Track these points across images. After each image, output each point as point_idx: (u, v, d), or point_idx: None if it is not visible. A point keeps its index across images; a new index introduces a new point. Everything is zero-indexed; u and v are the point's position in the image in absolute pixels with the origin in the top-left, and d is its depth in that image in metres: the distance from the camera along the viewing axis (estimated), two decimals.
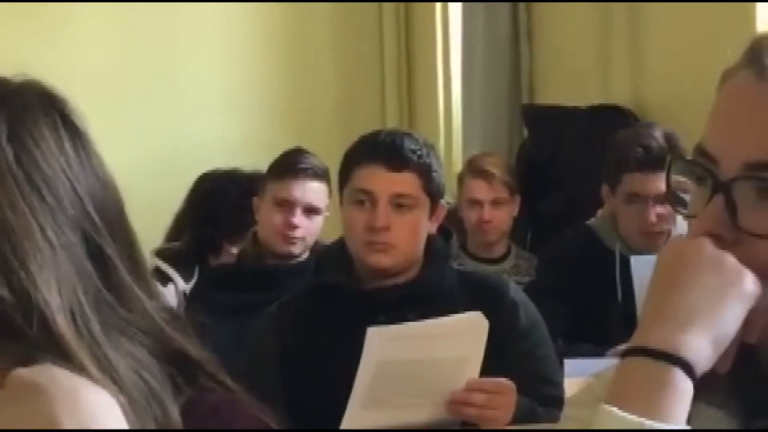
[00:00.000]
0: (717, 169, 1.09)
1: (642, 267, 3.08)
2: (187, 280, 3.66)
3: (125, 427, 0.99)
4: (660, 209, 3.36)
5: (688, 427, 1.04)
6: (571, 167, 4.51)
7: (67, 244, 1.04)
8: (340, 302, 2.73)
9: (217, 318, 2.87)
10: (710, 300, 1.05)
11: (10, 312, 1.01)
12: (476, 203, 4.17)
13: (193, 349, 1.12)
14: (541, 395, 2.61)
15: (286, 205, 3.49)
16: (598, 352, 3.01)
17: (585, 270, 3.49)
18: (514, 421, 2.52)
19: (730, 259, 1.07)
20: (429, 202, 2.75)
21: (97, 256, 1.07)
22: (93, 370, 1.00)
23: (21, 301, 1.01)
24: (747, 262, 1.07)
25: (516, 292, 2.79)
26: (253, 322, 2.83)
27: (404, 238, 2.71)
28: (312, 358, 2.70)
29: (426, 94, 5.66)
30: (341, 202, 2.85)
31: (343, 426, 2.48)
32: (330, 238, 3.51)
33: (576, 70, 4.94)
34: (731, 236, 1.08)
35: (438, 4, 5.57)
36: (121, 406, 1.00)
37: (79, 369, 1.00)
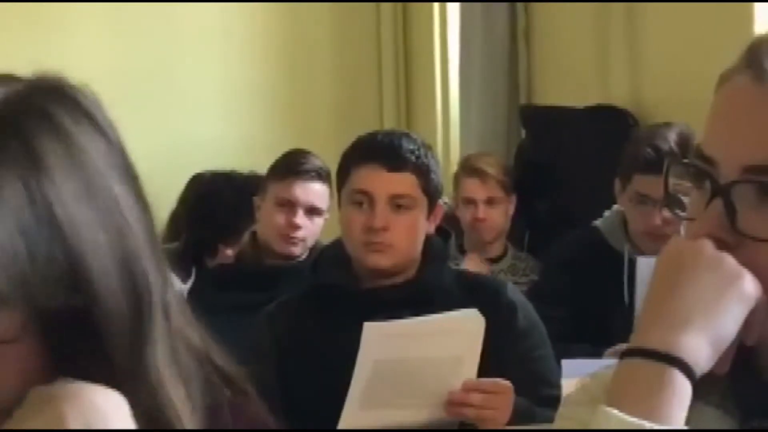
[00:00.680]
0: (716, 171, 1.09)
1: (648, 268, 3.07)
2: (183, 281, 3.66)
3: (133, 427, 0.99)
4: (667, 213, 3.34)
5: (687, 429, 1.04)
6: (569, 168, 4.51)
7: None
8: (337, 302, 2.73)
9: (215, 317, 2.87)
10: (709, 301, 1.05)
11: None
12: (471, 202, 4.17)
13: (214, 349, 1.12)
14: (539, 396, 2.62)
15: (288, 206, 3.49)
16: (596, 353, 3.01)
17: (591, 271, 3.48)
18: (511, 422, 2.52)
19: (730, 261, 1.07)
20: (427, 203, 2.75)
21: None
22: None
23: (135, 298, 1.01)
24: (747, 265, 1.07)
25: (514, 292, 2.79)
26: (251, 322, 2.84)
27: (402, 239, 2.71)
28: (310, 357, 2.70)
29: (424, 95, 5.66)
30: (339, 203, 2.85)
31: (341, 426, 2.48)
32: (328, 239, 3.52)
33: (574, 71, 4.94)
34: (731, 239, 1.08)
35: (436, 5, 5.57)
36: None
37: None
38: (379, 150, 2.73)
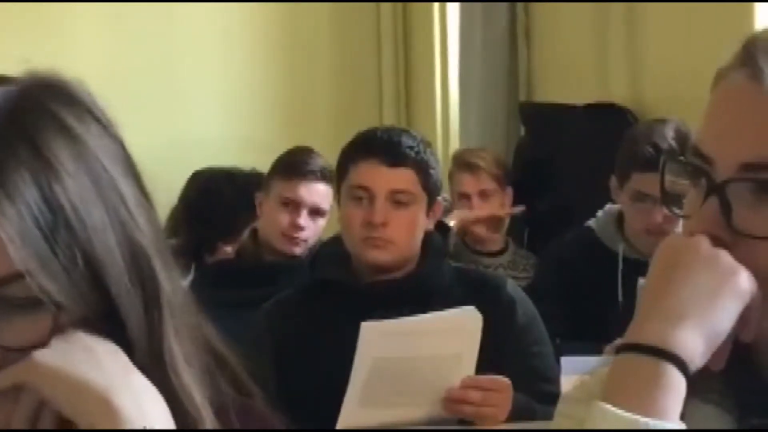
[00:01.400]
0: (712, 169, 1.09)
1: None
2: (182, 277, 3.66)
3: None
4: (666, 211, 3.34)
5: (681, 424, 1.04)
6: (569, 165, 4.51)
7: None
8: (336, 298, 2.74)
9: (214, 314, 2.87)
10: (704, 297, 1.06)
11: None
12: (465, 197, 4.17)
13: (223, 347, 1.13)
14: (538, 392, 2.62)
15: (293, 205, 3.49)
16: (595, 349, 3.01)
17: (586, 272, 3.48)
18: (510, 419, 2.52)
19: (726, 257, 1.07)
20: (426, 199, 2.75)
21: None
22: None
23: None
24: (743, 262, 1.07)
25: (513, 288, 2.80)
26: (250, 319, 2.84)
27: (402, 234, 2.72)
28: (308, 353, 2.70)
29: (423, 93, 5.65)
30: (338, 199, 2.86)
31: (340, 424, 2.49)
32: (327, 235, 3.52)
33: (574, 69, 4.93)
34: (727, 237, 1.08)
35: (436, 4, 5.56)
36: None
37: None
38: (378, 146, 2.73)
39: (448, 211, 3.89)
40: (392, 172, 2.71)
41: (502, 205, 4.20)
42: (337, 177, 2.84)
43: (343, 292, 2.74)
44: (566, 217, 4.09)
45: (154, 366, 1.01)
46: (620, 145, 3.40)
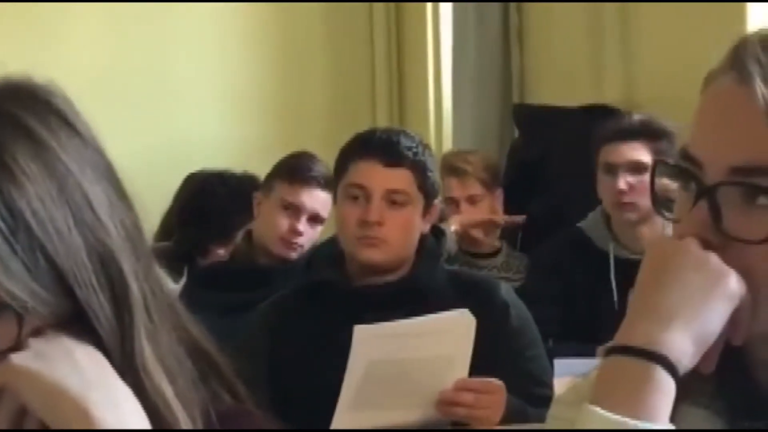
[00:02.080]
0: (702, 173, 1.09)
1: None
2: (175, 280, 3.65)
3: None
4: (631, 179, 3.38)
5: (670, 425, 1.04)
6: (563, 167, 4.51)
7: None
8: (330, 300, 2.73)
9: (208, 316, 2.87)
10: (693, 298, 1.06)
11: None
12: (452, 201, 4.15)
13: (213, 349, 1.12)
14: (532, 395, 2.62)
15: (293, 210, 3.49)
16: (588, 351, 3.01)
17: (577, 273, 3.49)
18: (504, 421, 2.52)
19: (715, 259, 1.07)
20: (423, 200, 2.76)
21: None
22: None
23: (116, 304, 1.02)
24: (732, 265, 1.07)
25: (507, 292, 2.80)
26: (244, 321, 2.84)
27: (397, 234, 2.72)
28: (302, 355, 2.70)
29: (417, 94, 5.65)
30: (335, 200, 2.86)
31: (333, 426, 2.48)
32: (322, 238, 3.52)
33: (567, 70, 4.94)
34: (716, 240, 1.08)
35: (429, 5, 5.57)
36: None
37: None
38: (376, 145, 2.74)
39: (443, 216, 3.87)
40: (389, 172, 2.72)
41: (491, 209, 4.17)
42: (335, 176, 2.84)
43: (338, 294, 2.74)
44: (560, 219, 4.09)
45: (127, 368, 1.01)
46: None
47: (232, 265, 3.61)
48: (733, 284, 1.06)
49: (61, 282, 0.98)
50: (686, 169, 1.11)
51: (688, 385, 1.07)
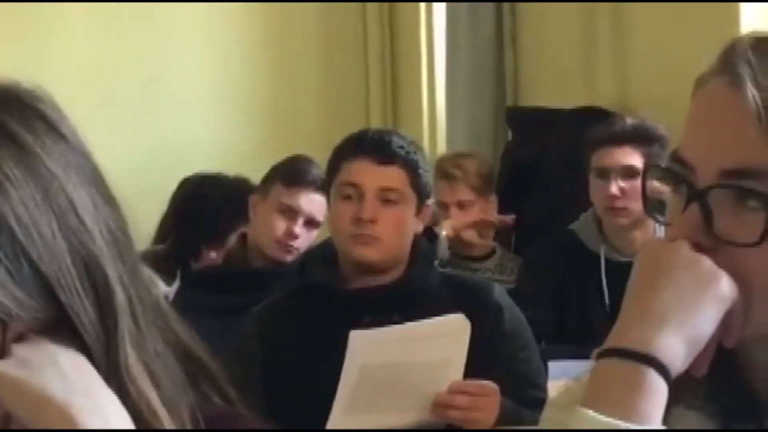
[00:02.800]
0: (693, 176, 1.09)
1: None
2: (168, 283, 3.65)
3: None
4: (623, 184, 3.39)
5: (662, 428, 1.04)
6: (556, 169, 4.51)
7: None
8: (324, 303, 2.73)
9: (202, 319, 2.86)
10: (685, 301, 1.06)
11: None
12: (443, 205, 4.13)
13: (203, 353, 1.12)
14: (526, 398, 2.62)
15: (290, 213, 3.49)
16: (582, 354, 3.02)
17: (568, 275, 3.50)
18: (498, 424, 2.52)
19: (707, 262, 1.07)
20: (416, 199, 2.76)
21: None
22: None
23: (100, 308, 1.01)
24: (724, 268, 1.07)
25: (501, 294, 2.80)
26: (237, 325, 2.83)
27: (390, 232, 2.72)
28: (297, 358, 2.70)
29: (410, 96, 5.65)
30: (328, 200, 2.86)
31: (328, 428, 2.48)
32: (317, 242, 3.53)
33: (560, 72, 4.94)
34: (708, 243, 1.08)
35: (422, 5, 5.57)
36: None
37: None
38: (369, 144, 2.75)
39: (436, 219, 3.86)
40: (382, 170, 2.73)
41: (483, 214, 4.16)
42: (328, 176, 2.85)
43: (331, 297, 2.74)
44: (553, 221, 4.09)
45: (111, 373, 1.00)
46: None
47: (226, 267, 3.61)
48: (725, 287, 1.07)
49: (45, 287, 0.98)
50: (678, 172, 1.11)
51: (681, 388, 1.07)
